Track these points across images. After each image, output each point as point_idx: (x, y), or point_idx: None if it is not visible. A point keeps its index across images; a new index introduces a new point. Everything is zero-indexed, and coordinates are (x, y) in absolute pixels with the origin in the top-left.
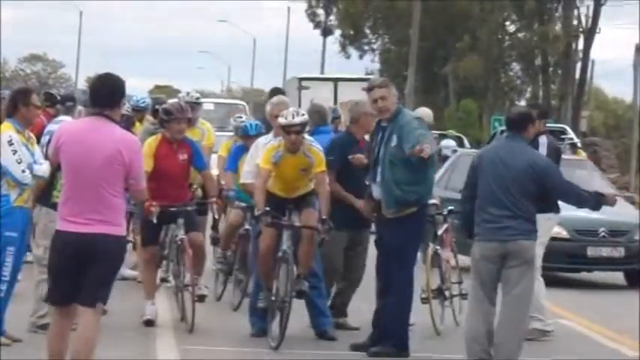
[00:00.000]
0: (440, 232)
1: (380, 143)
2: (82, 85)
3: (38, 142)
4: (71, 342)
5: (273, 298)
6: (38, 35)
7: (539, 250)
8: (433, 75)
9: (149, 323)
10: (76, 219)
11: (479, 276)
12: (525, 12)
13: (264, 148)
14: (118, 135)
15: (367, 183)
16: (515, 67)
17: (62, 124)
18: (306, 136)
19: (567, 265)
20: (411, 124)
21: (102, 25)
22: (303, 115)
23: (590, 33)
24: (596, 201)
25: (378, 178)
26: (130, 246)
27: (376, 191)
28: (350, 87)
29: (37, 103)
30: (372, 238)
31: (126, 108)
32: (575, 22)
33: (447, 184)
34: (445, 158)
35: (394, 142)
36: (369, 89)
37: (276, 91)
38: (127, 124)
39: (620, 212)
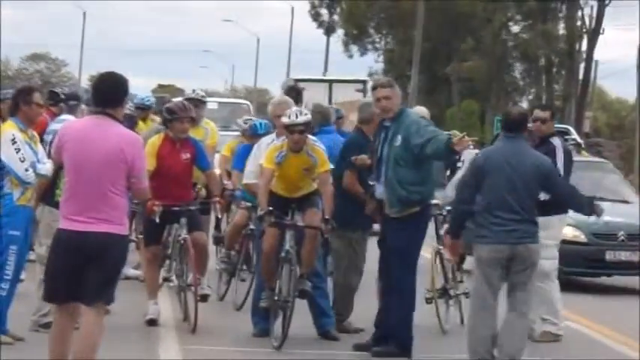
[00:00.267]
0: (442, 232)
1: (383, 143)
2: (86, 83)
3: (41, 140)
4: (74, 341)
5: (275, 298)
6: (41, 35)
7: (554, 252)
8: (436, 75)
9: (152, 323)
10: (78, 217)
11: (486, 278)
12: (529, 12)
13: (267, 148)
14: (120, 133)
15: (371, 183)
16: (519, 67)
17: (65, 124)
18: (310, 135)
19: (586, 270)
20: (419, 123)
21: (106, 24)
22: (306, 114)
23: (593, 33)
24: (591, 208)
25: (382, 178)
26: (132, 245)
27: (379, 191)
28: (344, 88)
29: (39, 102)
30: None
31: (128, 107)
32: (578, 23)
33: None
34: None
35: (398, 141)
36: (374, 88)
37: (292, 89)
38: (130, 123)
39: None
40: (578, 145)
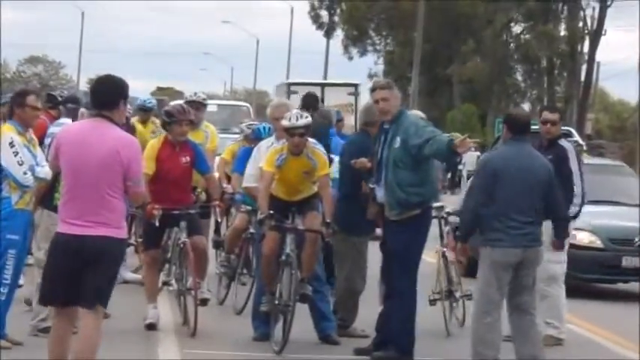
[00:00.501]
0: (445, 234)
1: (383, 145)
2: (84, 86)
3: (41, 144)
4: (73, 345)
5: (276, 302)
6: (38, 35)
7: (563, 256)
8: (437, 77)
9: (151, 327)
10: (76, 221)
11: (498, 282)
12: (530, 13)
13: (266, 151)
14: (117, 136)
15: (371, 186)
16: (520, 69)
17: (62, 128)
18: (310, 138)
19: (602, 276)
20: (418, 123)
21: (105, 26)
22: (306, 117)
23: (595, 35)
24: (566, 224)
25: (382, 181)
26: (132, 249)
27: (380, 194)
28: (336, 92)
29: (35, 104)
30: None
31: (127, 110)
32: (580, 24)
33: None
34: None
35: (397, 143)
36: (372, 90)
37: (309, 97)
38: (128, 126)
39: None
40: (580, 146)
